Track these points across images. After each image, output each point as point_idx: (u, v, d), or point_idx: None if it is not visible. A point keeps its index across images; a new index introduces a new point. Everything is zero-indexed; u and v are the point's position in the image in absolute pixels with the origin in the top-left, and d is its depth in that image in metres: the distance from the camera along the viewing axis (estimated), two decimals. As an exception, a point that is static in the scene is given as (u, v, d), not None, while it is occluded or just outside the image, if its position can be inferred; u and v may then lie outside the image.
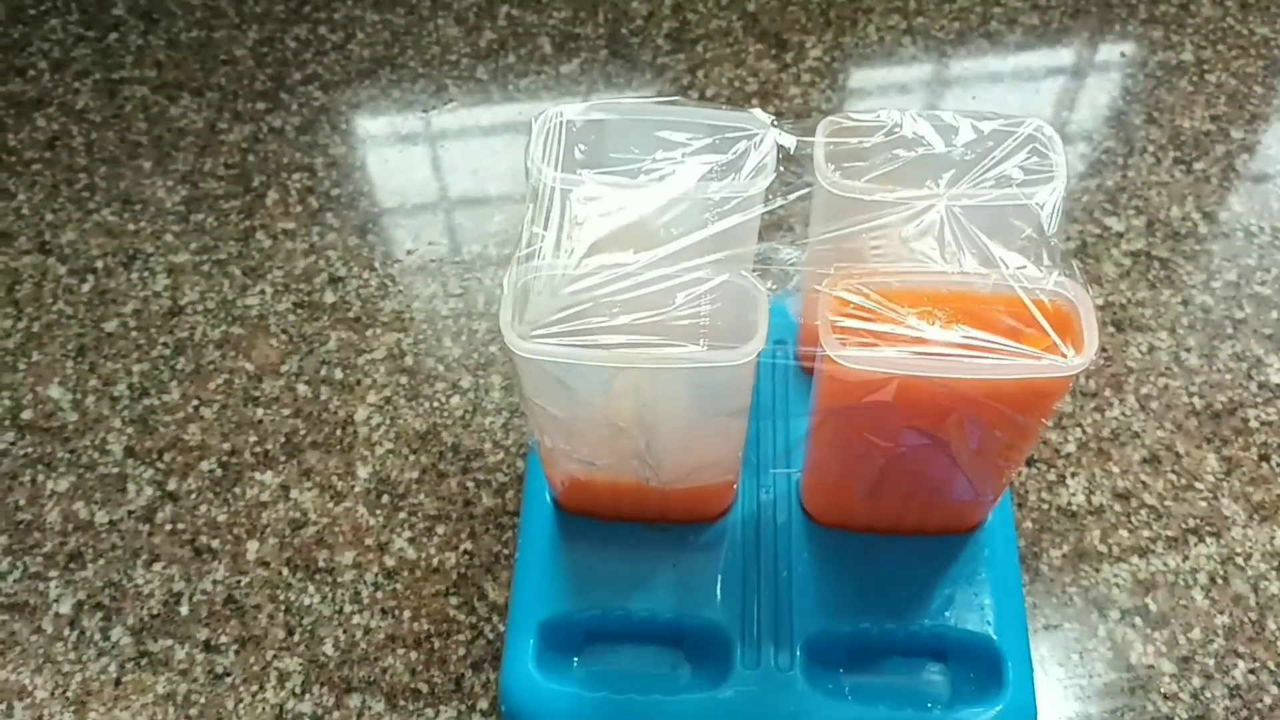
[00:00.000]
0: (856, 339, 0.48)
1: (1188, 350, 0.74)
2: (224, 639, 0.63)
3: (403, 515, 0.67)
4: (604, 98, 0.91)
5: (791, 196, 0.52)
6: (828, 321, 0.48)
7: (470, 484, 0.69)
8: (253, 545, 0.66)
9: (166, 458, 0.70)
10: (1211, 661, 0.61)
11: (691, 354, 0.47)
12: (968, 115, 0.54)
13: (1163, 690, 0.61)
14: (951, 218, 0.51)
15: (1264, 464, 0.69)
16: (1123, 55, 0.94)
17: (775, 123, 0.53)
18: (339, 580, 0.65)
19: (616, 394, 0.50)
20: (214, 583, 0.65)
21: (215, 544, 0.67)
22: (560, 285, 0.49)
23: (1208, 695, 0.61)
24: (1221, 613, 0.63)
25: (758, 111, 0.54)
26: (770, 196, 0.52)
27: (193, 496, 0.68)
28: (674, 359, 0.47)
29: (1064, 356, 0.47)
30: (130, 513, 0.68)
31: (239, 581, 0.65)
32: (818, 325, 0.48)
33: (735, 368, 0.47)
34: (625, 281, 0.49)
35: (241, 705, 0.61)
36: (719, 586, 0.59)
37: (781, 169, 0.52)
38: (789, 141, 0.53)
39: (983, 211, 0.51)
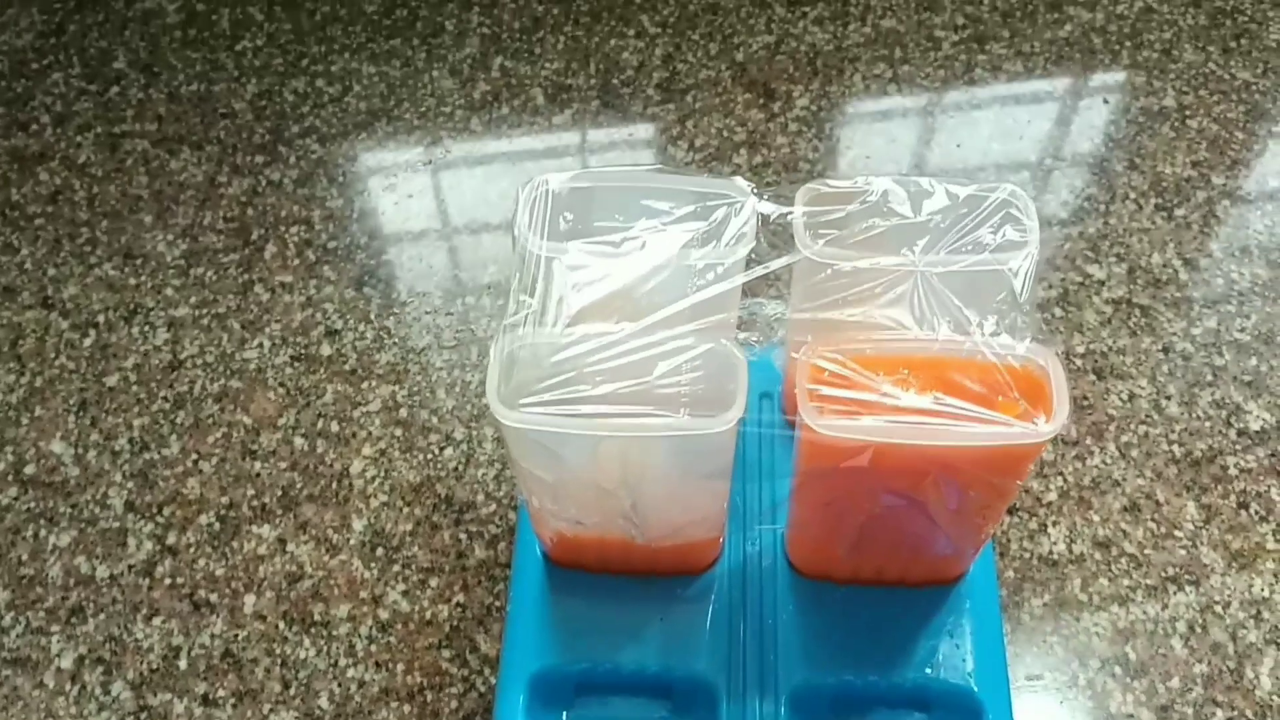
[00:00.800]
0: (833, 405, 0.49)
1: (1168, 398, 0.76)
2: (222, 693, 0.64)
3: (397, 568, 0.69)
4: (596, 142, 0.93)
5: (773, 265, 0.53)
6: (805, 389, 0.49)
7: (463, 536, 0.70)
8: (250, 599, 0.68)
9: (166, 512, 0.72)
10: (1190, 710, 0.63)
11: (673, 423, 0.49)
12: (943, 181, 0.56)
13: (1142, 739, 0.62)
14: (926, 284, 0.52)
15: (1243, 511, 0.70)
16: (1105, 101, 0.96)
17: (755, 190, 0.55)
18: (334, 633, 0.66)
19: (602, 459, 0.51)
20: (212, 636, 0.66)
21: (213, 598, 0.68)
22: (546, 354, 0.51)
23: (1187, 744, 0.62)
24: (1200, 661, 0.64)
25: (739, 180, 0.55)
26: (752, 261, 0.53)
27: (191, 550, 0.70)
28: (656, 428, 0.48)
29: (1035, 423, 0.48)
30: (130, 567, 0.69)
31: (236, 635, 0.66)
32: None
33: (716, 434, 0.49)
34: (609, 350, 0.50)
35: (239, 759, 0.62)
36: (706, 639, 0.61)
37: (762, 235, 0.54)
38: (769, 209, 0.54)
39: (957, 277, 0.53)
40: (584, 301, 0.52)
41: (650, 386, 0.50)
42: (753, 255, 0.54)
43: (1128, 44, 1.00)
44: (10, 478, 0.74)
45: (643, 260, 0.53)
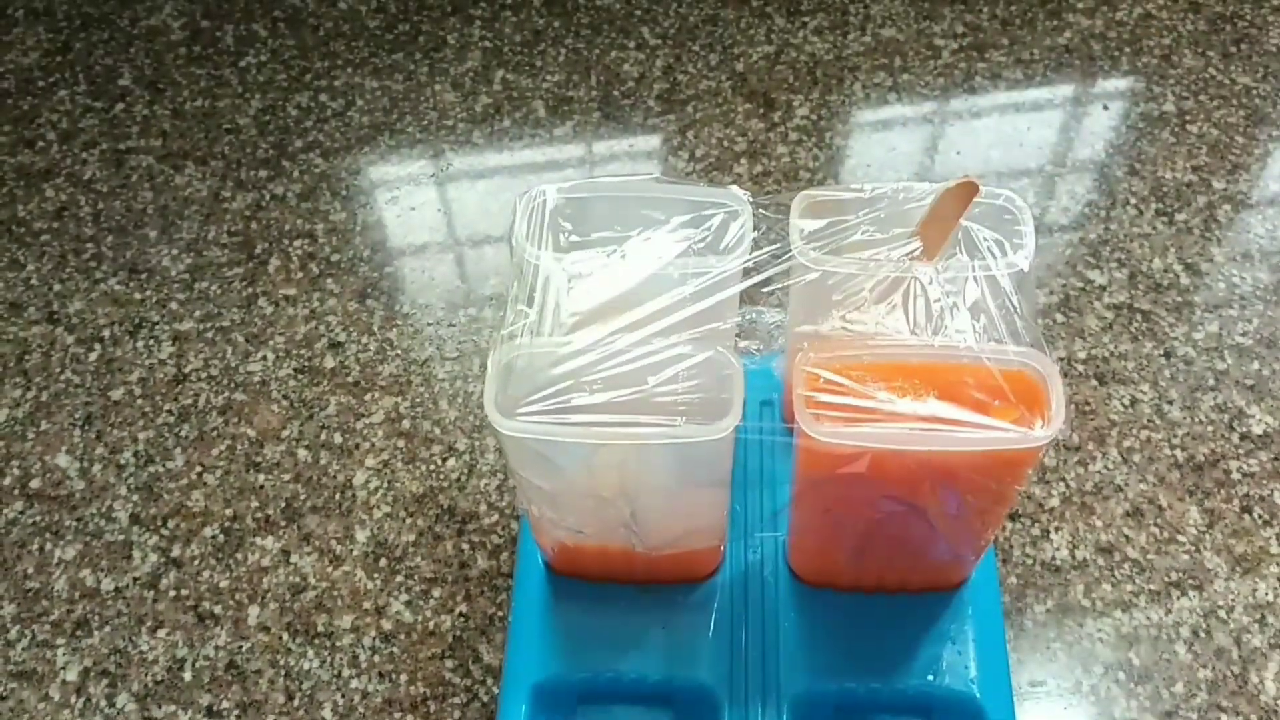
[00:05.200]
0: (831, 412, 0.49)
1: (1170, 402, 0.76)
2: (226, 704, 0.64)
3: (400, 578, 0.69)
4: (598, 154, 0.94)
5: (769, 273, 0.53)
6: (802, 397, 0.49)
7: (465, 546, 0.70)
8: (254, 610, 0.68)
9: (171, 524, 0.72)
10: (1195, 716, 0.62)
11: (670, 430, 0.49)
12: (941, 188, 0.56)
13: (1146, 745, 0.62)
14: (922, 290, 0.52)
15: (1246, 516, 0.70)
16: (1105, 108, 0.96)
17: (752, 199, 0.55)
18: (337, 644, 0.66)
19: (599, 468, 0.52)
20: (216, 648, 0.67)
21: (217, 609, 0.68)
22: (543, 363, 0.51)
23: (1192, 749, 0.62)
24: (1204, 666, 0.64)
25: (735, 189, 0.56)
26: (749, 269, 0.54)
27: (196, 563, 0.70)
28: (652, 436, 0.49)
29: (1032, 428, 0.48)
30: (135, 579, 0.70)
31: (240, 647, 0.67)
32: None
33: (713, 442, 0.49)
34: (607, 359, 0.51)
35: (243, 770, 0.62)
36: (707, 647, 0.61)
37: (759, 235, 0.54)
38: (766, 216, 0.55)
39: (953, 283, 0.53)
40: (581, 311, 0.52)
41: (647, 395, 0.50)
42: (749, 263, 0.54)
43: (1127, 50, 1.00)
44: (16, 491, 0.74)
45: (640, 269, 0.53)
